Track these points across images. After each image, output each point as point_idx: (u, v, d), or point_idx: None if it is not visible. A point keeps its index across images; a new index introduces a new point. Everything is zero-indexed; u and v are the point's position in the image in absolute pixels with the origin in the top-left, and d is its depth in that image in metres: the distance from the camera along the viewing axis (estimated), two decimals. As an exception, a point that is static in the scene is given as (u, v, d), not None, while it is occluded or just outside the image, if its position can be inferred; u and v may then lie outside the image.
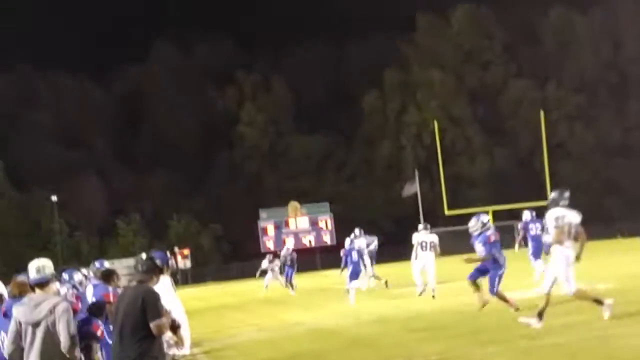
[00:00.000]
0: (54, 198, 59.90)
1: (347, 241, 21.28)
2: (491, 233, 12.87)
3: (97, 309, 7.32)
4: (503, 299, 12.74)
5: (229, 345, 12.13)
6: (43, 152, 68.85)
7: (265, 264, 30.54)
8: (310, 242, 60.73)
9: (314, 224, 60.86)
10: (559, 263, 10.39)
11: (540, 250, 19.16)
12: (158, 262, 6.49)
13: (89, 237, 65.09)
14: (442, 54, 73.29)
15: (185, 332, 9.32)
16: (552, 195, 11.08)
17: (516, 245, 23.99)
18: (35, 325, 5.62)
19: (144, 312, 5.73)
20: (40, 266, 5.88)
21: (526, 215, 20.65)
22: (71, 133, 70.88)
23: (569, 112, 70.32)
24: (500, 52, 73.95)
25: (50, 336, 5.58)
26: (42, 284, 5.83)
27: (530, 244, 19.92)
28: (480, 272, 13.23)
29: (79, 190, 65.63)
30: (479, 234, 12.83)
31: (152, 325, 5.74)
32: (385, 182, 69.85)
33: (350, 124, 72.09)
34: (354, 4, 77.42)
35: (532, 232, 19.93)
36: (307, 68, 77.88)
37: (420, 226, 18.77)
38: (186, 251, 56.13)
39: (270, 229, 60.20)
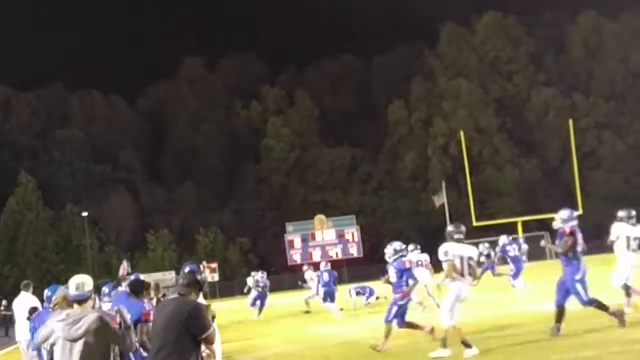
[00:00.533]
0: (85, 213, 60.77)
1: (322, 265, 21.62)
2: (406, 260, 12.21)
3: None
4: (410, 326, 12.02)
5: (259, 358, 12.05)
6: (74, 168, 69.77)
7: (309, 274, 26.25)
8: (337, 254, 60.55)
9: (340, 236, 60.69)
10: (449, 295, 10.47)
11: (519, 270, 20.32)
12: (198, 277, 6.43)
13: (119, 252, 65.52)
14: (467, 64, 73.04)
15: (217, 345, 9.24)
16: (448, 228, 11.03)
17: (496, 268, 25.16)
18: (74, 341, 5.65)
19: (189, 325, 5.85)
20: (79, 283, 5.95)
21: (503, 238, 21.66)
22: (101, 149, 71.79)
23: (597, 120, 69.54)
24: (527, 60, 73.41)
25: (88, 352, 5.60)
26: (81, 300, 5.89)
27: (510, 265, 20.62)
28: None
29: (109, 206, 66.37)
30: (394, 261, 12.14)
31: (205, 335, 5.94)
32: (411, 194, 69.56)
33: (375, 135, 72.02)
34: (378, 16, 77.58)
35: (511, 254, 20.68)
36: (331, 81, 78.18)
37: (411, 247, 17.72)
38: (214, 265, 56.25)
39: (297, 242, 60.13)
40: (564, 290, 11.10)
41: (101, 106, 77.47)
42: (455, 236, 10.73)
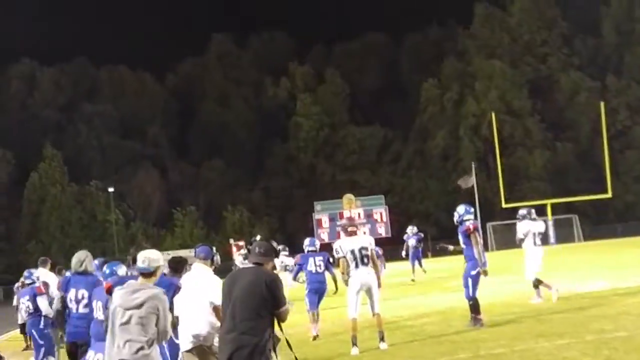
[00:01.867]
0: (111, 189, 60.96)
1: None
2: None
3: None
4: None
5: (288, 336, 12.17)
6: (100, 144, 70.03)
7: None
8: (364, 234, 60.70)
9: (368, 216, 60.80)
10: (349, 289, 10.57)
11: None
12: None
13: (145, 229, 65.96)
14: (501, 45, 72.40)
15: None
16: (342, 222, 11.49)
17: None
18: (127, 309, 5.85)
19: (267, 296, 5.53)
20: (146, 257, 6.13)
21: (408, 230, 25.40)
22: (129, 125, 72.04)
23: (630, 102, 68.77)
24: (560, 42, 72.63)
25: (139, 323, 5.78)
26: (145, 274, 6.07)
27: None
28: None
29: (136, 182, 66.57)
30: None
31: (280, 311, 5.63)
32: (441, 174, 69.34)
33: (406, 115, 71.68)
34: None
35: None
36: (361, 59, 77.81)
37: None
38: (241, 243, 56.69)
39: (325, 221, 60.34)
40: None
41: (129, 82, 77.80)
42: (349, 228, 10.87)
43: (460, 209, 12.11)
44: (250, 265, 5.81)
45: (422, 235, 26.34)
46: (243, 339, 5.48)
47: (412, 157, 72.01)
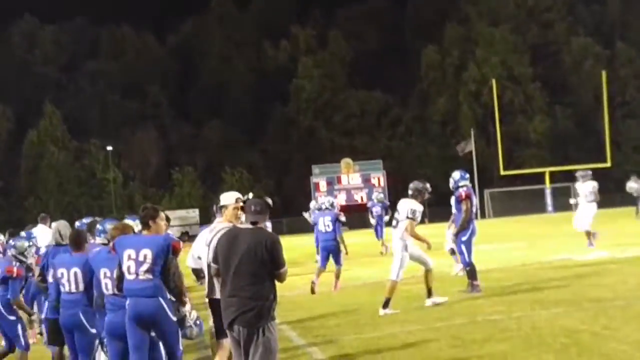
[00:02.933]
0: (109, 148, 60.96)
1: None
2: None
3: None
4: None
5: (287, 299, 12.27)
6: (100, 103, 69.97)
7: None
8: (362, 198, 60.86)
9: (366, 181, 60.83)
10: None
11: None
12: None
13: (143, 188, 66.12)
14: (504, 11, 71.81)
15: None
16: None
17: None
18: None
19: (267, 258, 5.44)
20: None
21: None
22: (129, 84, 71.76)
23: (635, 70, 68.49)
24: (565, 10, 72.09)
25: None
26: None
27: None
28: None
29: (135, 141, 66.60)
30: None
31: (280, 272, 5.56)
32: (440, 140, 69.24)
33: (407, 80, 71.32)
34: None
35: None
36: (362, 23, 77.17)
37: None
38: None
39: (323, 185, 60.38)
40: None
41: (130, 41, 77.30)
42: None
43: (456, 174, 12.10)
44: (248, 225, 5.68)
45: (388, 203, 23.93)
46: (247, 303, 5.45)
47: (412, 123, 71.85)
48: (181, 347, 6.40)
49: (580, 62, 69.78)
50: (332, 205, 14.62)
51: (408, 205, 10.44)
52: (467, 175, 12.20)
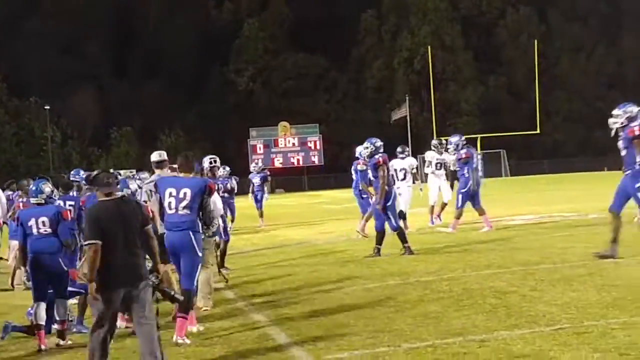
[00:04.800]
0: (47, 107, 59.99)
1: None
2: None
3: None
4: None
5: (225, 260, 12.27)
6: (40, 60, 68.17)
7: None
8: (298, 161, 61.06)
9: (302, 144, 60.96)
10: None
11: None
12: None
13: (81, 147, 65.50)
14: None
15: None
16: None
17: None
18: None
19: (141, 219, 5.89)
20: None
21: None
22: (68, 42, 69.91)
23: (568, 43, 70.04)
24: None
25: None
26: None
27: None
28: None
29: (74, 100, 65.41)
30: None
31: (150, 231, 6.00)
32: (375, 105, 69.67)
33: (345, 45, 71.28)
34: None
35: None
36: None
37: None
38: (174, 166, 56.23)
39: (260, 148, 60.34)
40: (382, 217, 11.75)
41: (70, -1, 74.88)
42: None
43: (375, 141, 12.16)
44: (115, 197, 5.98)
45: (268, 173, 22.44)
46: (139, 264, 5.87)
47: (347, 87, 72.03)
48: (195, 282, 7.35)
49: (515, 33, 70.91)
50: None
51: None
52: (381, 143, 12.20)
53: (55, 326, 7.47)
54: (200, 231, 7.37)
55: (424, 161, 16.71)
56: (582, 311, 6.79)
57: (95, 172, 6.38)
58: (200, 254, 7.32)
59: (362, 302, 8.07)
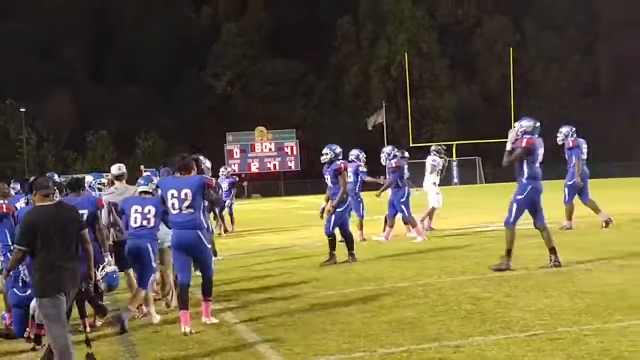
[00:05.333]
0: (23, 109, 59.53)
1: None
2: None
3: None
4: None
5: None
6: (16, 63, 67.50)
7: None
8: (275, 166, 61.03)
9: (279, 149, 60.93)
10: None
11: None
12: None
13: (56, 150, 65.04)
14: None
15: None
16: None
17: None
18: None
19: (77, 227, 6.06)
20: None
21: None
22: (44, 45, 69.33)
23: (541, 52, 70.73)
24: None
25: None
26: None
27: None
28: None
29: (50, 102, 64.97)
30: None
31: (86, 235, 6.19)
32: (352, 111, 69.89)
33: (323, 50, 71.45)
34: None
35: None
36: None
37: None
38: (150, 169, 55.96)
39: (236, 152, 60.22)
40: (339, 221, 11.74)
41: (46, 1, 74.17)
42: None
43: (334, 147, 12.11)
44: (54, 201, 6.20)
45: (237, 179, 22.58)
46: (75, 268, 5.98)
47: (325, 93, 72.19)
48: (213, 267, 7.98)
49: (490, 41, 71.53)
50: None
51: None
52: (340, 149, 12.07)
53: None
54: (206, 226, 7.95)
55: (430, 165, 16.48)
56: (556, 317, 6.87)
57: (34, 177, 6.55)
58: (209, 246, 7.93)
59: (338, 307, 8.11)
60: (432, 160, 16.25)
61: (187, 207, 7.54)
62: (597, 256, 10.38)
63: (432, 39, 70.94)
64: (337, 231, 11.89)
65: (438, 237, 14.72)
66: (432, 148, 16.76)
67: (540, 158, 10.08)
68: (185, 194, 7.53)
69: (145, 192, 8.42)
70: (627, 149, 63.11)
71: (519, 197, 10.09)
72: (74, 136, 66.03)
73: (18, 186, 12.53)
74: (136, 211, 8.14)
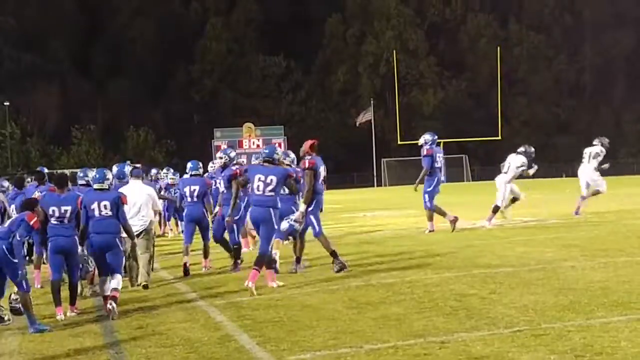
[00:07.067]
0: (7, 103, 59.09)
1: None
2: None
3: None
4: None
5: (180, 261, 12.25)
6: (1, 55, 66.97)
7: None
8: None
9: (267, 145, 60.93)
10: None
11: None
12: None
13: (41, 145, 64.61)
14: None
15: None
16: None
17: None
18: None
19: None
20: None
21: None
22: (31, 37, 68.79)
23: (527, 50, 71.02)
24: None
25: None
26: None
27: None
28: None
29: (35, 96, 64.48)
30: None
31: None
32: (340, 108, 69.95)
33: (311, 47, 71.45)
34: None
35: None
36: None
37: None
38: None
39: (223, 148, 60.14)
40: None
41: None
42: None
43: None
44: None
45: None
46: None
47: (313, 90, 72.20)
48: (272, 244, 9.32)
49: (477, 39, 71.75)
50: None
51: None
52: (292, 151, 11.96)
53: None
54: (279, 207, 9.27)
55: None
56: (540, 314, 6.91)
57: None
58: (276, 227, 9.25)
59: (324, 304, 8.12)
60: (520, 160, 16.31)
61: (270, 190, 9.12)
62: (581, 253, 10.44)
63: (419, 37, 71.05)
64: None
65: (425, 234, 14.77)
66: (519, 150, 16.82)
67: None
68: (271, 180, 9.14)
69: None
70: (612, 148, 63.39)
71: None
72: (60, 131, 65.62)
73: (6, 183, 12.52)
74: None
